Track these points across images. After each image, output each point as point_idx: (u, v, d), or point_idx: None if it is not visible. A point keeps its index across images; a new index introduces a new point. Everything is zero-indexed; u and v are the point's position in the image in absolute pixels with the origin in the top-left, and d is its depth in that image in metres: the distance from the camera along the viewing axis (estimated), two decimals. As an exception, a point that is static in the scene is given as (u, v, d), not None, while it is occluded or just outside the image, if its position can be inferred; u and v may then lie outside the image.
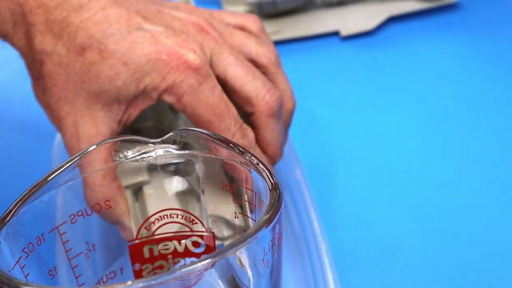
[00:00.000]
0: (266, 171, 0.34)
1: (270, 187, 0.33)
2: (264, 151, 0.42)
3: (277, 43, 0.63)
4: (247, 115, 0.42)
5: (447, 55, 0.61)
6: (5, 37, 0.41)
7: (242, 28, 0.45)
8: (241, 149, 0.36)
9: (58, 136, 0.53)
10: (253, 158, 0.35)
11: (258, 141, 0.42)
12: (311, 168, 0.52)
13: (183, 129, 0.37)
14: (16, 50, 0.41)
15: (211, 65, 0.40)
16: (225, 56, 0.41)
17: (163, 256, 0.39)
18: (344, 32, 0.63)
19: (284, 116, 0.44)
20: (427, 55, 0.61)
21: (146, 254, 0.39)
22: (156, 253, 0.39)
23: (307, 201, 0.47)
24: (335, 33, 0.63)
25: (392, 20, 0.64)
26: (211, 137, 0.36)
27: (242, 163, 0.36)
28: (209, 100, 0.39)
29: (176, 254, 0.39)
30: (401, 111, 0.56)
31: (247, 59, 0.42)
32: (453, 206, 0.49)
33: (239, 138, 0.40)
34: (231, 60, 0.41)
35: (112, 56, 0.38)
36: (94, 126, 0.39)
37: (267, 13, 0.64)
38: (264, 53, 0.43)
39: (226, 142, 0.36)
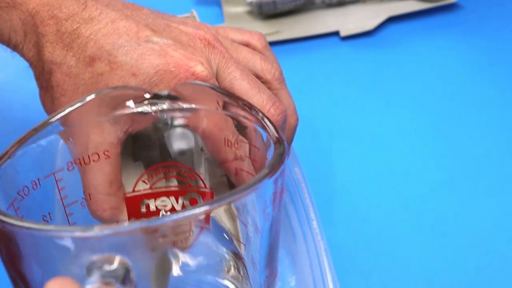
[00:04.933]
0: (271, 125, 0.34)
1: (274, 141, 0.33)
2: None
3: (277, 43, 0.63)
4: None
5: (447, 55, 0.61)
6: (15, 48, 0.41)
7: (247, 45, 0.45)
8: (246, 104, 0.36)
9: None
10: (259, 113, 0.35)
11: None
12: (310, 168, 0.52)
13: (184, 83, 0.38)
14: (25, 60, 0.42)
15: (217, 78, 0.41)
16: (232, 70, 0.41)
17: (160, 212, 0.39)
18: (344, 32, 0.63)
19: (287, 132, 0.44)
20: (427, 55, 0.61)
21: (143, 209, 0.39)
22: (153, 208, 0.39)
23: (306, 201, 0.47)
24: (335, 33, 0.63)
25: (392, 20, 0.64)
26: (216, 90, 0.37)
27: (247, 118, 0.36)
28: None
29: (173, 211, 0.39)
30: (400, 111, 0.56)
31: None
32: (453, 206, 0.49)
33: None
34: (237, 74, 0.41)
35: (121, 67, 0.39)
36: (101, 135, 0.39)
37: (267, 13, 0.64)
38: (268, 69, 0.44)
39: (233, 97, 0.37)
